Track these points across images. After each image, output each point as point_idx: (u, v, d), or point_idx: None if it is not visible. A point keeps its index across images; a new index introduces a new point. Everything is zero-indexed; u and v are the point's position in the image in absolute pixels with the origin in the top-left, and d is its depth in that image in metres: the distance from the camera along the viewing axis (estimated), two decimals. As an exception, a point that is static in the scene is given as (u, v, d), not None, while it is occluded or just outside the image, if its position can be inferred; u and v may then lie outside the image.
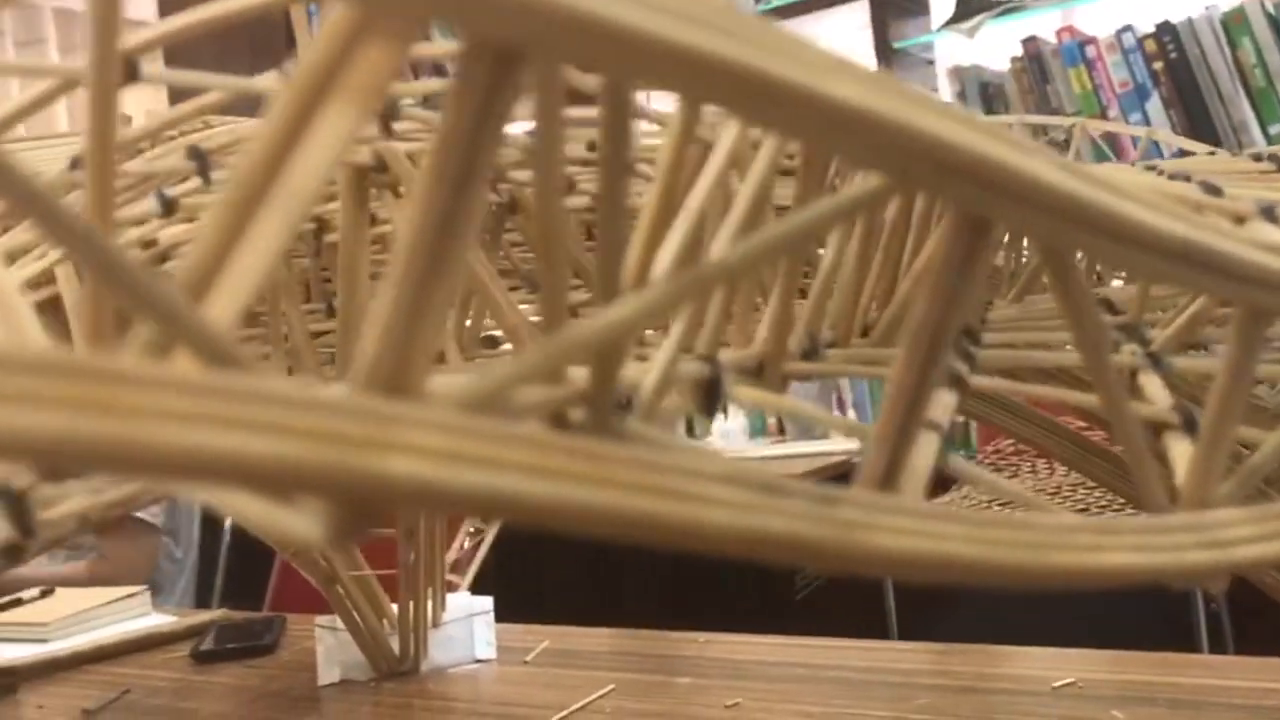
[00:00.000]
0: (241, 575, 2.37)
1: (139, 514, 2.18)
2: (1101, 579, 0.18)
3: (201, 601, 2.35)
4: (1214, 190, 0.27)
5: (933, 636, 1.81)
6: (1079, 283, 0.18)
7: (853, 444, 2.85)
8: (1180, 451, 0.24)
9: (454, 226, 0.12)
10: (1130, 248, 0.16)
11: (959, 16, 2.72)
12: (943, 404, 0.24)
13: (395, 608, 1.22)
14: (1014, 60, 2.72)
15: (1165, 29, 2.56)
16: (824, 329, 0.32)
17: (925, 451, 0.20)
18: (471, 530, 1.41)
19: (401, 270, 0.12)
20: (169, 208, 0.32)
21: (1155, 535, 0.19)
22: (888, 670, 1.10)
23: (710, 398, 0.21)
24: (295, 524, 0.12)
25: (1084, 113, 2.62)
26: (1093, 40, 2.65)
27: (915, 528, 0.16)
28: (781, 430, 2.99)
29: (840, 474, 2.61)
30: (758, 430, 2.98)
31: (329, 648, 1.24)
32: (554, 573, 3.06)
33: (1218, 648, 2.05)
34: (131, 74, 0.28)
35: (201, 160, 0.35)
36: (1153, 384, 0.27)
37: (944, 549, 0.16)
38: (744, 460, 0.17)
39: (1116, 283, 0.47)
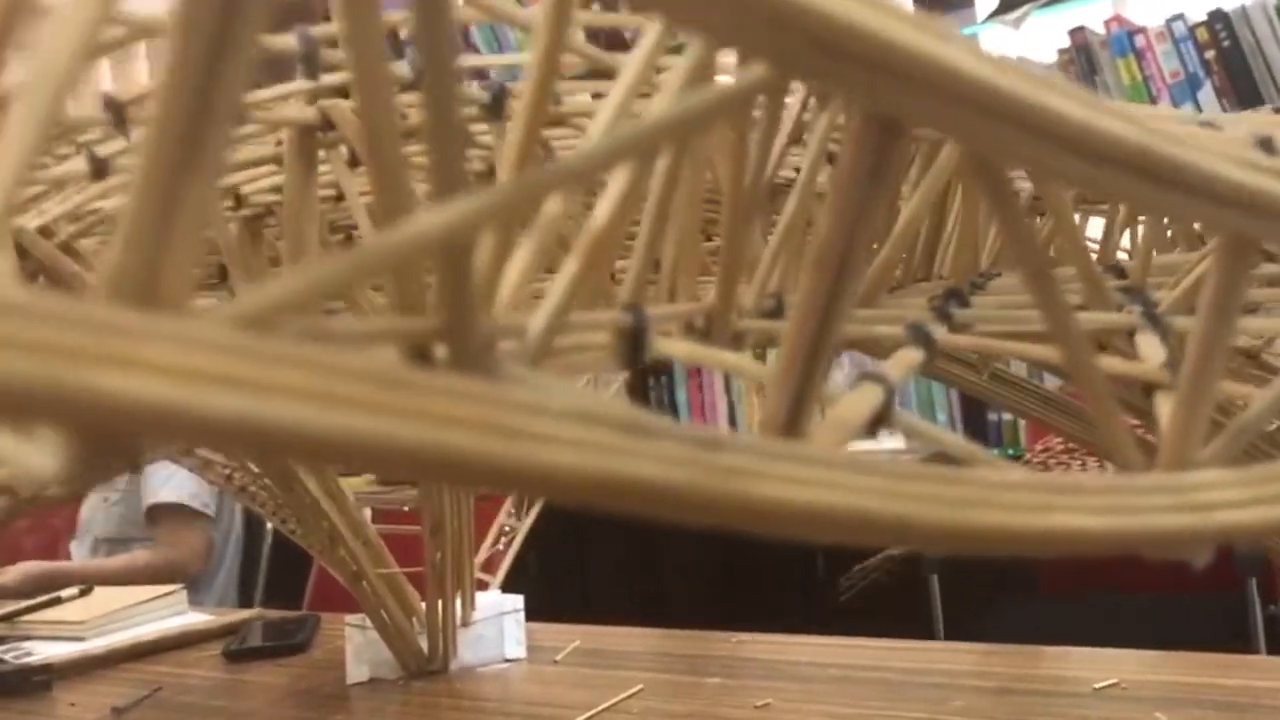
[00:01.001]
0: (284, 574, 2.38)
1: (189, 501, 2.20)
2: (1050, 543, 0.16)
3: (244, 601, 2.36)
4: (1210, 125, 0.24)
5: (981, 639, 1.78)
6: (1013, 202, 0.15)
7: (899, 442, 2.81)
8: (1170, 411, 0.21)
9: (207, 112, 0.10)
10: (1073, 153, 0.14)
11: (1004, 8, 2.68)
12: (904, 360, 0.22)
13: (425, 606, 1.20)
14: (1061, 52, 2.67)
15: (1217, 16, 2.50)
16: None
17: (861, 401, 0.17)
18: (507, 529, 1.40)
19: (149, 159, 0.10)
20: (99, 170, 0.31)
21: (1120, 496, 0.17)
22: (924, 671, 1.07)
23: (634, 349, 0.19)
24: (29, 458, 0.10)
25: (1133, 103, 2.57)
26: (1142, 30, 2.59)
27: (816, 478, 0.14)
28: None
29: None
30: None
31: (358, 646, 1.23)
32: (598, 573, 3.04)
33: (1276, 650, 1.99)
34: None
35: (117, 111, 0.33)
36: (1148, 343, 0.24)
37: (848, 502, 0.14)
38: (621, 402, 0.15)
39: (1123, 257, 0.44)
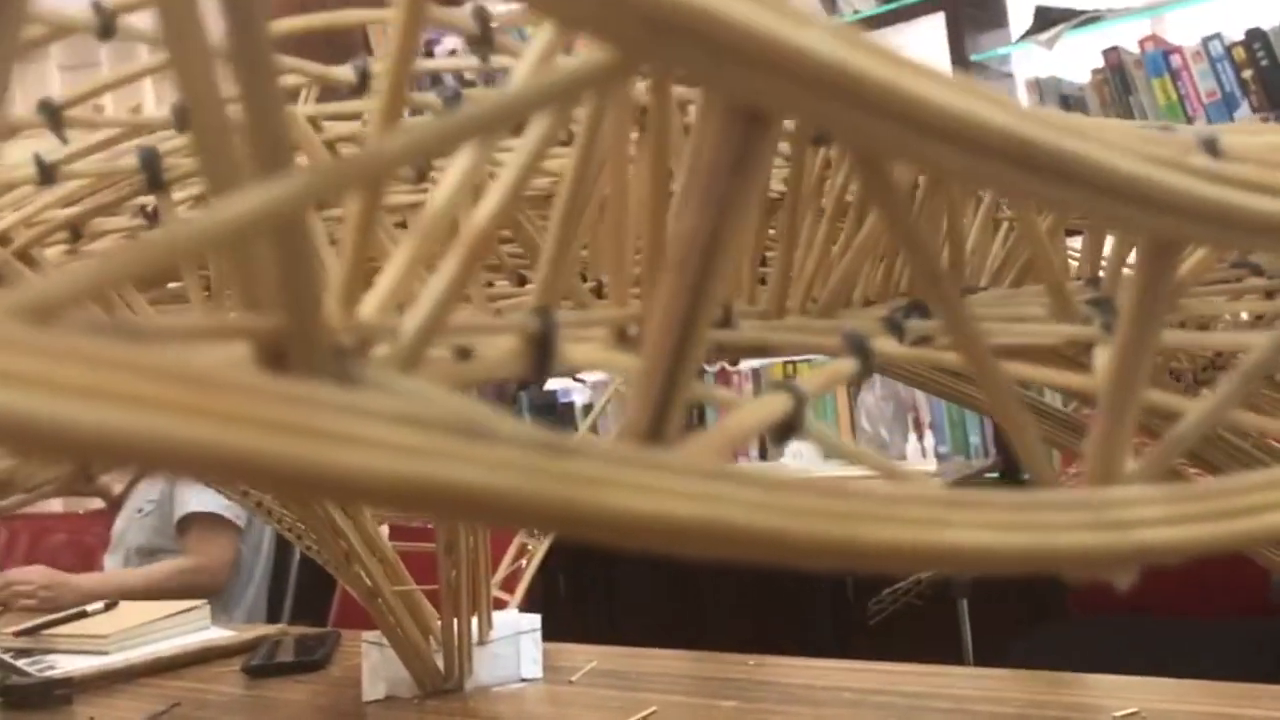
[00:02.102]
0: (311, 591, 2.39)
1: (223, 512, 2.21)
2: (945, 560, 0.15)
3: (273, 617, 2.36)
4: (1166, 129, 0.23)
5: (1011, 663, 1.75)
6: (898, 200, 0.15)
7: (930, 464, 2.78)
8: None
9: None
10: (948, 143, 0.13)
11: (1037, 28, 2.66)
12: (830, 370, 0.21)
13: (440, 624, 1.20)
14: (1094, 72, 2.65)
15: (1255, 35, 2.47)
16: (770, 300, 0.29)
17: (761, 410, 0.17)
18: (529, 546, 1.39)
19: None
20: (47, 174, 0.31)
21: (1029, 513, 0.16)
22: (939, 695, 1.05)
23: (542, 355, 0.19)
24: None
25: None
26: (1178, 50, 2.56)
27: (673, 487, 0.13)
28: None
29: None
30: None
31: (375, 664, 1.23)
32: (627, 595, 3.03)
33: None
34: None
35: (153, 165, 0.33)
36: (1103, 355, 0.23)
37: (708, 513, 0.13)
38: (476, 407, 0.14)
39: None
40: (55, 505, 2.99)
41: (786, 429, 0.17)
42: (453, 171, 0.15)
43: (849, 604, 2.73)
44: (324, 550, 1.18)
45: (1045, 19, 2.68)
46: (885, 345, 0.23)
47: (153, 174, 0.31)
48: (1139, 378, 0.17)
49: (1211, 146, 0.20)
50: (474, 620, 1.22)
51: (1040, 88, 2.70)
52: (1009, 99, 0.13)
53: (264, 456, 0.11)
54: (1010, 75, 2.84)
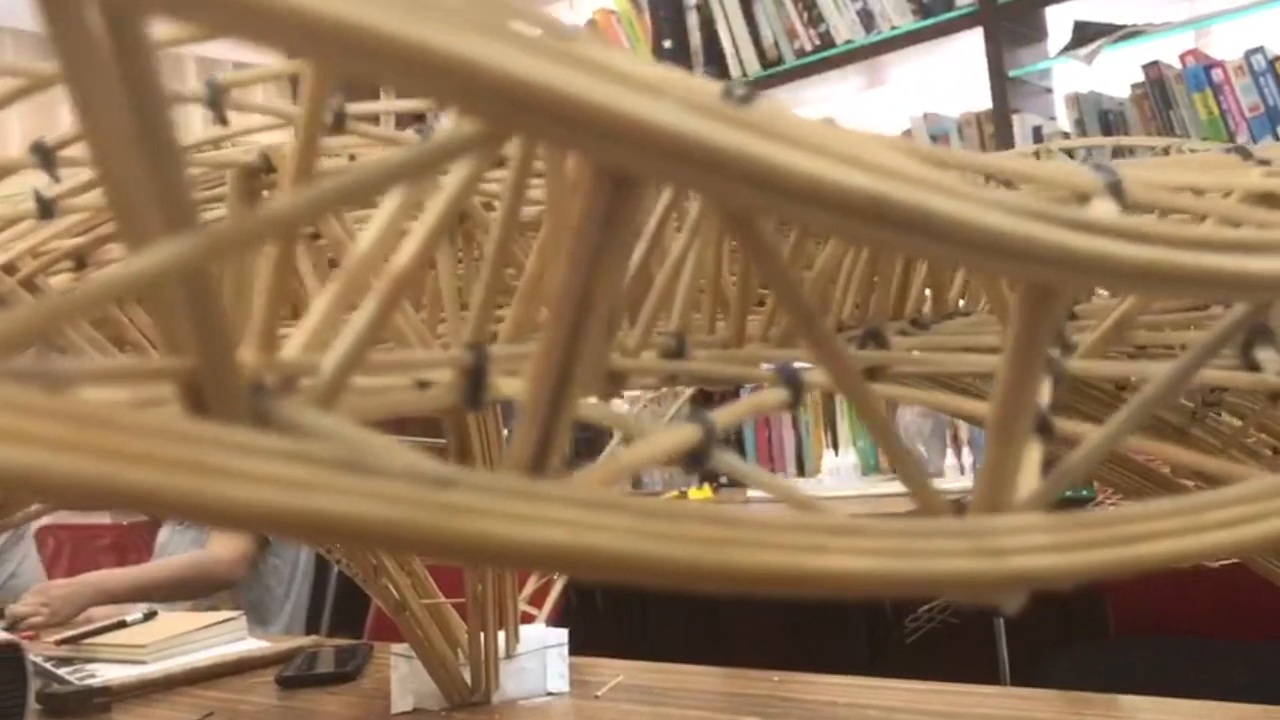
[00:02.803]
0: (349, 605, 2.41)
1: None
2: (821, 584, 0.16)
3: (311, 630, 2.39)
4: (1107, 171, 0.24)
5: (1048, 683, 1.73)
6: (769, 250, 0.16)
7: (966, 481, 2.77)
8: (1033, 456, 0.21)
9: None
10: (804, 204, 0.14)
11: (1076, 43, 2.65)
12: (754, 400, 0.22)
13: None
14: (1134, 86, 2.63)
15: (1298, 48, 2.44)
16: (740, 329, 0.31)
17: (665, 442, 0.18)
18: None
19: None
20: (46, 210, 0.33)
21: (908, 539, 0.17)
22: (965, 715, 1.05)
23: (475, 387, 0.20)
24: None
25: (1210, 139, 2.51)
26: (1219, 64, 2.54)
27: (550, 516, 0.14)
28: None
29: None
30: (871, 467, 2.91)
31: (403, 676, 1.25)
32: (662, 612, 3.03)
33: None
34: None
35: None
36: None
37: (582, 540, 0.14)
38: (373, 444, 0.15)
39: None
40: (103, 515, 3.04)
41: (695, 458, 0.18)
42: (378, 218, 0.17)
43: (886, 621, 2.72)
44: (353, 564, 1.20)
45: (1084, 34, 2.67)
46: (818, 376, 0.24)
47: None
48: (1023, 413, 0.18)
49: (1116, 189, 0.21)
50: (501, 634, 1.23)
51: (1079, 103, 2.69)
52: (878, 154, 0.14)
53: (156, 490, 0.12)
54: (1049, 90, 2.83)
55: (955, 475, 2.82)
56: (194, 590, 2.16)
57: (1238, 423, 0.61)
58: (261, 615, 2.28)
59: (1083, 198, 0.21)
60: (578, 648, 1.34)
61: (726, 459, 0.19)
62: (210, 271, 0.13)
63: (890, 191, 0.14)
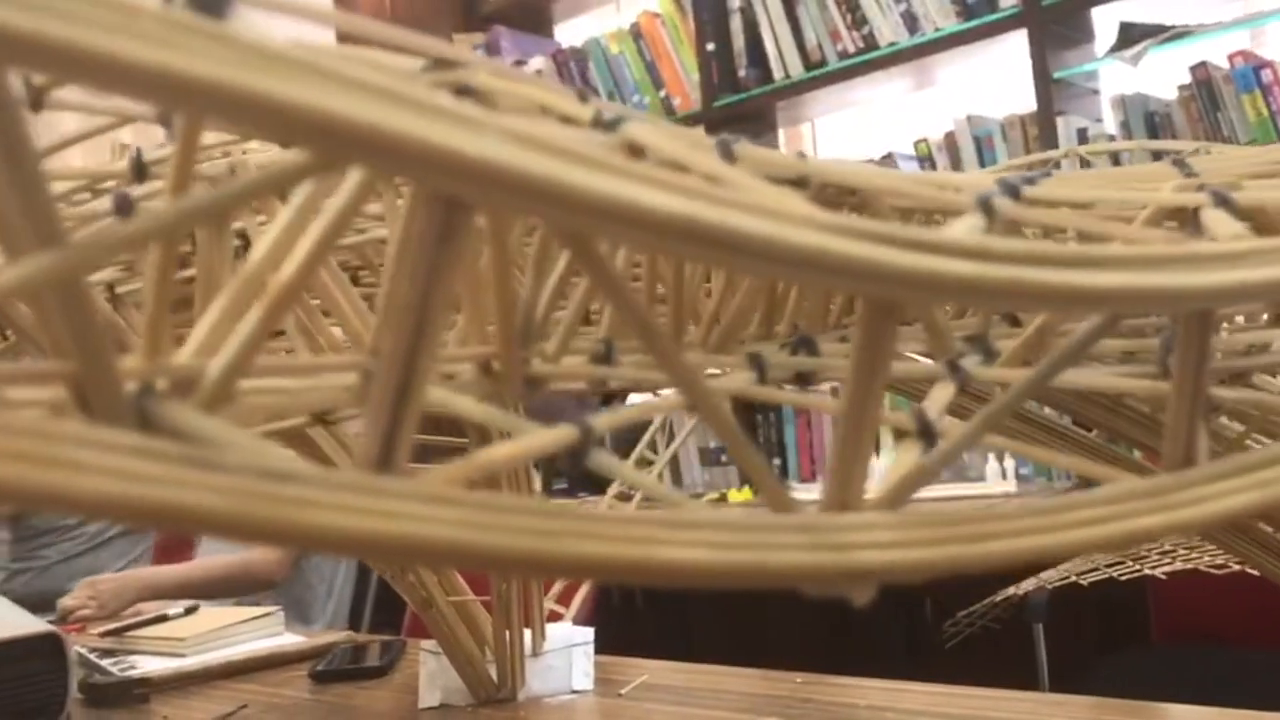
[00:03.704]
0: (390, 604, 2.45)
1: None
2: (651, 574, 0.18)
3: (353, 627, 2.43)
4: (1010, 191, 0.25)
5: (1087, 691, 1.72)
6: (605, 269, 0.17)
7: (1010, 485, 2.75)
8: (905, 458, 0.22)
9: None
10: (625, 226, 0.15)
11: (1122, 44, 2.62)
12: (645, 405, 0.23)
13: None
14: (1182, 88, 2.60)
15: (1351, 48, 2.40)
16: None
17: (539, 441, 0.19)
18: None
19: None
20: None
21: (747, 533, 0.18)
22: (983, 719, 1.05)
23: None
24: None
25: (1258, 141, 2.48)
26: (1269, 64, 2.50)
27: (382, 508, 0.16)
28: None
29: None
30: (911, 471, 2.89)
31: (431, 672, 1.27)
32: (703, 611, 3.04)
33: None
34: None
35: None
36: (941, 391, 0.25)
37: (415, 531, 0.16)
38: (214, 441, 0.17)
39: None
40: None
41: (574, 457, 0.20)
42: (269, 232, 0.18)
43: (926, 626, 2.71)
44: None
45: (1130, 35, 2.64)
46: (730, 382, 0.25)
47: (125, 218, 0.35)
48: (867, 419, 0.19)
49: (986, 207, 0.22)
50: (528, 633, 1.25)
51: (1125, 105, 2.66)
52: (690, 179, 0.15)
53: (16, 482, 0.14)
54: (1096, 92, 2.81)
55: (997, 479, 2.80)
56: (237, 589, 2.21)
57: (1239, 428, 0.61)
58: (304, 613, 2.32)
59: (954, 213, 0.22)
60: (617, 649, 1.36)
61: (603, 459, 0.20)
62: (82, 281, 0.15)
63: (703, 214, 0.16)
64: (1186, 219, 0.26)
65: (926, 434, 0.23)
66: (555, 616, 1.33)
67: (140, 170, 0.32)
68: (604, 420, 0.20)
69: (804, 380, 0.29)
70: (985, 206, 0.22)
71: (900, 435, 0.23)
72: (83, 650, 1.53)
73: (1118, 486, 0.21)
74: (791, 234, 0.16)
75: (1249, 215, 0.25)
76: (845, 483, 0.19)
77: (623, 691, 1.25)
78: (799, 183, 0.26)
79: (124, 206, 0.24)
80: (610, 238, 0.15)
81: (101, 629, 1.64)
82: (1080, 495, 0.21)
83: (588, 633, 1.32)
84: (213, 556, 2.30)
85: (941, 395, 0.26)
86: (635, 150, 0.18)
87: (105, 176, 0.33)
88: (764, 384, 0.26)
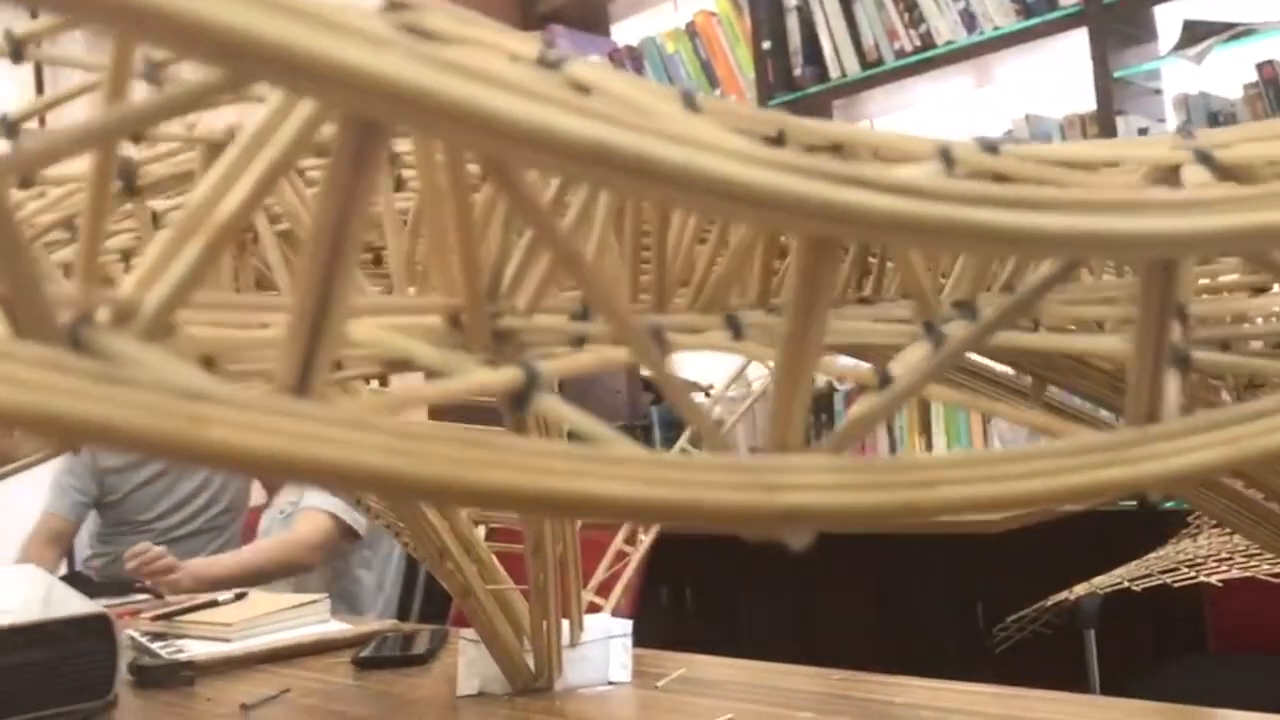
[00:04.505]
0: (438, 596, 2.47)
1: (340, 514, 2.31)
2: (573, 506, 0.17)
3: (402, 618, 2.45)
4: (990, 149, 0.25)
5: (1144, 696, 1.69)
6: (527, 197, 0.17)
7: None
8: (862, 407, 0.22)
9: None
10: (535, 150, 0.15)
11: (1185, 42, 2.57)
12: (581, 358, 0.23)
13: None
14: (1247, 87, 2.55)
15: None
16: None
17: (481, 379, 0.19)
18: (627, 548, 1.42)
19: None
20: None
21: (676, 471, 0.18)
22: (1019, 719, 1.03)
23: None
24: None
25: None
26: (1338, 61, 2.44)
27: (291, 429, 0.16)
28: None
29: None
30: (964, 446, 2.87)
31: (470, 660, 1.28)
32: (753, 610, 3.03)
33: None
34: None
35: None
36: (914, 351, 0.25)
37: (319, 452, 0.16)
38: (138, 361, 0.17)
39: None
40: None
41: (518, 400, 0.20)
42: (214, 171, 0.19)
43: (978, 631, 2.68)
44: (419, 547, 1.23)
45: (1194, 33, 2.59)
46: (700, 339, 0.25)
47: (128, 181, 0.36)
48: (804, 361, 0.19)
49: (945, 155, 0.22)
50: (566, 624, 1.26)
51: (1188, 104, 2.61)
52: (601, 104, 0.15)
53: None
54: (1158, 92, 2.76)
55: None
56: (280, 571, 2.25)
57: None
58: (354, 605, 2.35)
59: (912, 160, 0.21)
60: (664, 648, 1.36)
61: (549, 402, 0.20)
62: (7, 210, 0.15)
63: (615, 140, 0.16)
64: (1170, 176, 0.26)
65: (884, 382, 0.23)
66: (594, 608, 1.34)
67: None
68: (554, 365, 0.20)
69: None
70: (945, 155, 0.22)
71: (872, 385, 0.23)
72: (134, 634, 1.56)
73: (1076, 439, 0.21)
74: (709, 162, 0.16)
75: (1233, 173, 0.24)
76: (782, 424, 0.19)
77: (659, 684, 1.25)
78: (777, 139, 0.26)
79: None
80: (525, 162, 0.15)
81: (153, 613, 1.67)
82: (1036, 446, 0.21)
83: (626, 624, 1.32)
84: (256, 543, 2.35)
85: (914, 354, 0.26)
86: (580, 88, 0.18)
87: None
88: (739, 340, 0.26)
